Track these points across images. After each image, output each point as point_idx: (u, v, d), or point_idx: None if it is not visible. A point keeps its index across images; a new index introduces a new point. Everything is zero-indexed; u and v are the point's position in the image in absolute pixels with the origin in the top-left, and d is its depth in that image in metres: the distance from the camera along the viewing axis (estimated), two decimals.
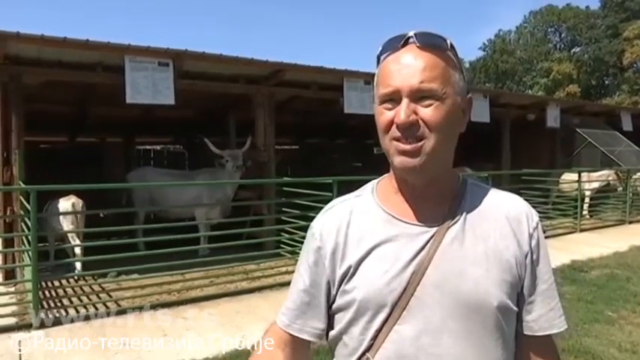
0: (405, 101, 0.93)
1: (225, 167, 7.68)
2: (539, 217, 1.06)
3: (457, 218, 0.99)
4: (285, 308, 1.10)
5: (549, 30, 49.00)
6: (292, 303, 1.09)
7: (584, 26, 45.09)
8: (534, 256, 1.00)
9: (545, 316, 0.99)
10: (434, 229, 0.98)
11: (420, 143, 0.93)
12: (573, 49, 46.97)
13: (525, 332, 1.00)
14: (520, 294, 0.99)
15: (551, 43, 49.01)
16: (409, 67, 0.94)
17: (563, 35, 48.41)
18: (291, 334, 1.08)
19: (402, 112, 0.92)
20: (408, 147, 0.93)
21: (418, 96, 0.93)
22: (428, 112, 0.92)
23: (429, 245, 0.96)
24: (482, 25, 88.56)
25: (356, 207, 1.07)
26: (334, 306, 1.04)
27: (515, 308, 0.97)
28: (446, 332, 0.92)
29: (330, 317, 1.06)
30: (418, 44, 0.95)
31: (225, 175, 7.71)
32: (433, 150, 0.93)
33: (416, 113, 0.93)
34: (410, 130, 0.93)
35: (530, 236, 1.00)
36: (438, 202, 1.01)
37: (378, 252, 0.99)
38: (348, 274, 1.01)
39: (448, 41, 0.97)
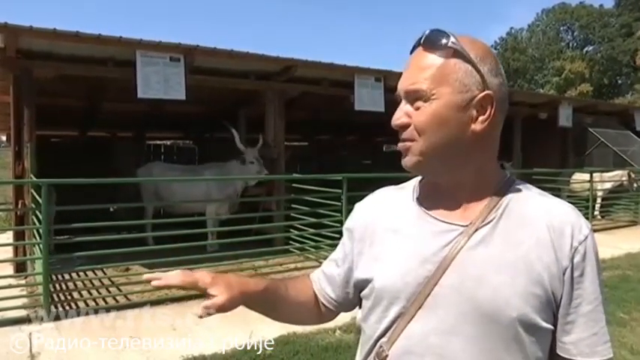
0: (402, 103, 0.97)
1: (248, 167, 7.62)
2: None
3: (488, 220, 0.94)
4: (322, 266, 1.20)
5: (562, 28, 48.62)
6: (326, 266, 1.19)
7: (597, 25, 44.70)
8: (576, 273, 0.91)
9: (586, 341, 0.91)
10: (461, 229, 0.94)
11: (409, 143, 0.96)
12: (586, 48, 46.61)
13: (561, 354, 0.93)
14: (556, 312, 0.92)
15: (563, 41, 48.64)
16: (409, 69, 0.97)
17: (575, 34, 48.02)
18: (314, 289, 1.18)
19: (395, 113, 0.97)
20: (399, 145, 0.97)
21: (410, 98, 0.95)
22: (416, 115, 0.94)
23: (452, 244, 0.93)
24: (494, 23, 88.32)
25: (394, 198, 1.09)
26: (361, 294, 1.07)
27: (545, 325, 0.90)
28: (457, 335, 0.90)
29: (363, 304, 1.09)
30: (422, 45, 0.96)
31: (234, 170, 7.69)
32: (422, 152, 0.94)
33: (410, 115, 0.95)
34: (401, 132, 0.96)
35: (574, 250, 0.91)
36: (472, 201, 0.97)
37: (401, 244, 0.99)
38: (372, 262, 1.03)
39: (451, 37, 0.93)
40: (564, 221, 0.93)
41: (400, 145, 0.97)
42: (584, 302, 0.91)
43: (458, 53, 0.93)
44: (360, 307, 1.09)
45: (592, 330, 0.91)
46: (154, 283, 0.93)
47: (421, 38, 0.96)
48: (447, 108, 0.92)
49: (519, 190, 0.99)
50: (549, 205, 0.97)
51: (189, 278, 0.94)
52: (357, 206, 1.16)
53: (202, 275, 0.95)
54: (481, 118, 0.94)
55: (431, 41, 0.94)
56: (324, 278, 1.16)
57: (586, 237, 0.92)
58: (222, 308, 0.93)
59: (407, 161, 0.97)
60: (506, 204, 0.96)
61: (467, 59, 0.93)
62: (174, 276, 0.94)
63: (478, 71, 0.93)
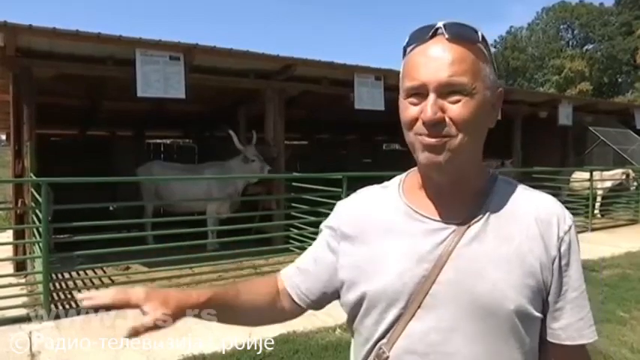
0: (431, 96, 0.89)
1: (250, 165, 7.61)
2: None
3: (480, 217, 0.95)
4: (296, 262, 1.16)
5: (562, 27, 48.66)
6: (300, 262, 1.15)
7: (597, 23, 44.71)
8: (563, 262, 0.94)
9: (574, 326, 0.94)
10: (454, 226, 0.95)
11: (445, 139, 0.90)
12: (586, 47, 46.63)
13: (551, 340, 0.96)
14: (545, 300, 0.95)
15: (563, 40, 48.68)
16: (437, 60, 0.90)
17: (575, 32, 48.04)
18: (284, 286, 1.13)
19: (428, 108, 0.89)
20: (433, 141, 0.90)
21: (446, 91, 0.89)
22: (455, 109, 0.89)
23: (446, 242, 0.94)
24: (494, 22, 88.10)
25: (380, 197, 1.07)
26: (351, 296, 1.02)
27: (537, 314, 0.93)
28: (458, 332, 0.90)
29: (351, 306, 1.05)
30: (447, 36, 0.91)
31: (234, 169, 7.68)
32: (458, 148, 0.90)
33: (443, 110, 0.89)
34: (436, 128, 0.89)
35: (560, 240, 0.94)
36: (462, 198, 0.97)
37: (393, 244, 0.98)
38: (364, 264, 1.00)
39: (479, 33, 0.92)
40: (550, 213, 0.97)
41: (433, 141, 0.90)
42: (570, 289, 0.95)
43: (483, 49, 0.94)
44: (348, 309, 1.04)
45: (579, 315, 0.95)
46: (85, 303, 0.89)
47: (438, 29, 0.92)
48: (484, 103, 0.92)
49: (504, 186, 1.02)
50: (535, 199, 1.00)
51: (121, 295, 0.90)
52: (341, 204, 1.13)
53: (136, 292, 0.91)
54: (494, 114, 0.97)
55: (461, 35, 0.91)
56: (297, 274, 1.12)
57: (570, 227, 0.97)
58: (153, 327, 0.90)
59: (442, 158, 0.90)
60: (494, 200, 0.98)
61: (487, 56, 0.94)
62: (105, 294, 0.90)
63: (494, 68, 0.96)
